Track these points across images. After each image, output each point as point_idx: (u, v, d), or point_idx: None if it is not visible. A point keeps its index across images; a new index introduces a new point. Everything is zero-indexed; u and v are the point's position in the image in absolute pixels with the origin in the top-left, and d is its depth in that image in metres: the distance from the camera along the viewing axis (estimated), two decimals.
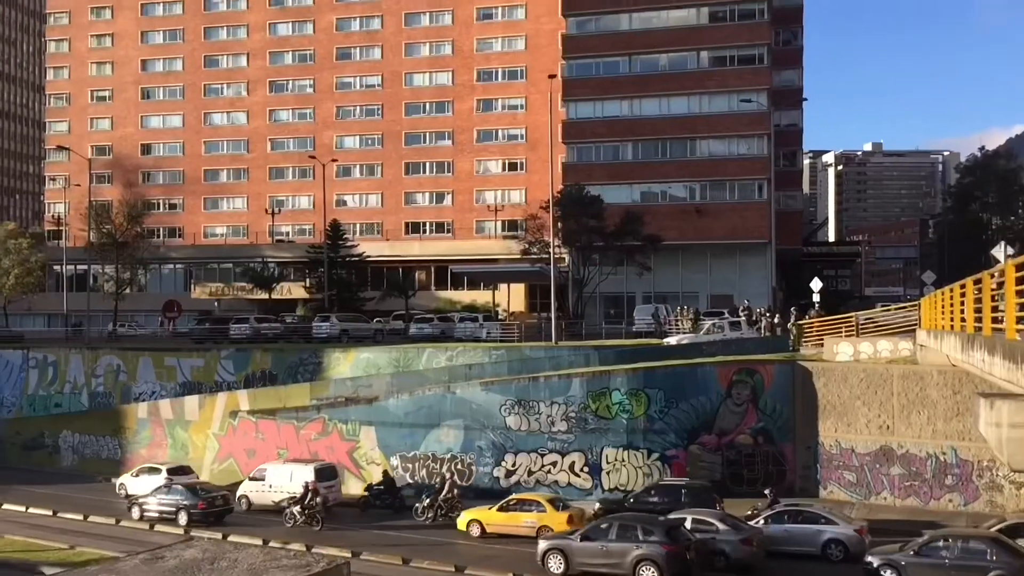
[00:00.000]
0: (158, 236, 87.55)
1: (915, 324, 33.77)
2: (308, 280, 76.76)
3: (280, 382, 45.48)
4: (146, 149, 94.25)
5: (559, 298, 53.47)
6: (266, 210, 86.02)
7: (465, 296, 73.66)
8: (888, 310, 42.05)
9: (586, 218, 59.04)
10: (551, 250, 52.25)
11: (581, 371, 37.94)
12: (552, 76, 57.80)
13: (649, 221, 60.03)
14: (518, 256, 63.80)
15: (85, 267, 77.38)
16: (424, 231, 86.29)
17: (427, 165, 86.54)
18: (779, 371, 35.19)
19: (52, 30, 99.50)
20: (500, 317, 61.69)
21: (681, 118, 69.95)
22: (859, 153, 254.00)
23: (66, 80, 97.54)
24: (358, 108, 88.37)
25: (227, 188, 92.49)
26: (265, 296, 74.63)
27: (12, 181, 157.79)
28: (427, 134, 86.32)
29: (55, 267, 79.34)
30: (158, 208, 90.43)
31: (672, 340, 43.72)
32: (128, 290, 71.58)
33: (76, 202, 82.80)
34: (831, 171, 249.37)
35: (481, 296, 71.18)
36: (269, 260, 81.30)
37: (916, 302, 38.17)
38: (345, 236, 75.57)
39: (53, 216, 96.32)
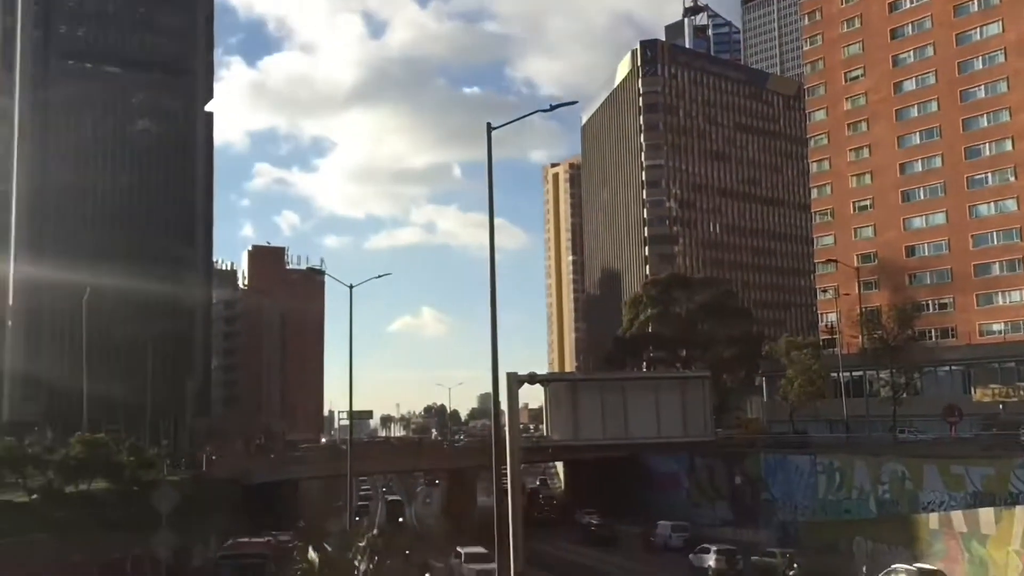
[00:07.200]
0: (930, 338, 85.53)
1: None
2: None
3: None
4: (910, 251, 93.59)
5: None
6: None
7: None
8: None
9: None
10: None
11: None
12: None
13: None
14: None
15: (860, 373, 78.78)
16: None
17: None
18: None
19: (813, 152, 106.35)
20: None
21: None
22: None
23: (829, 196, 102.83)
24: None
25: (1001, 281, 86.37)
26: None
27: (787, 296, 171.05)
28: None
29: (832, 374, 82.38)
30: (928, 309, 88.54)
31: None
32: (904, 394, 70.61)
33: (847, 310, 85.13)
34: None
35: None
36: None
37: None
38: None
39: (826, 325, 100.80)
